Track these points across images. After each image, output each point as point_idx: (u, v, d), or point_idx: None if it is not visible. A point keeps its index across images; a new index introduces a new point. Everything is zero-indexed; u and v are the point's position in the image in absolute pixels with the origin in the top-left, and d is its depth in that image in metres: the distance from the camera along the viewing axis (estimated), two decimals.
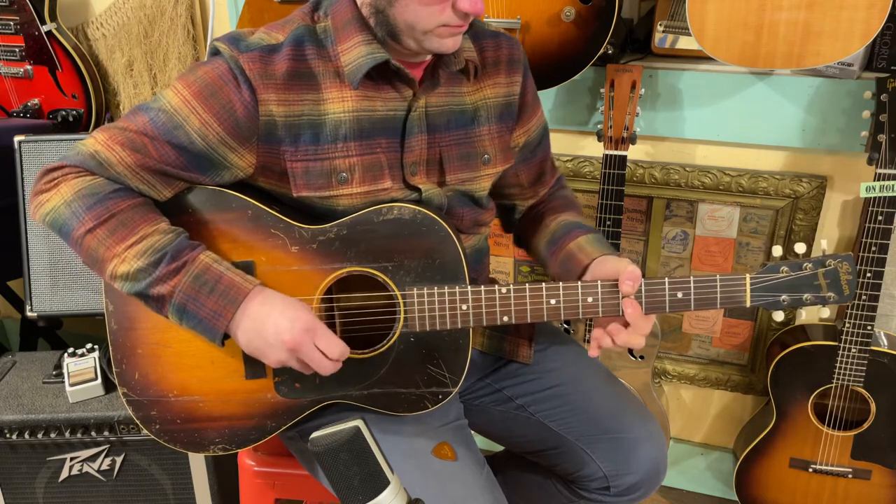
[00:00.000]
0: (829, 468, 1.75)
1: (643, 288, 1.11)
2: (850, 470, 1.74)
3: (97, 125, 2.15)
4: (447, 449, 1.20)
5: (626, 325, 1.13)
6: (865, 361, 1.62)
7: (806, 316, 1.75)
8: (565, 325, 1.90)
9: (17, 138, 1.72)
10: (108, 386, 1.69)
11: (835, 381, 1.66)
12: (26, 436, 1.63)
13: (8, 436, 1.63)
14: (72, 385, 1.66)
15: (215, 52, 1.12)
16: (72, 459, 1.67)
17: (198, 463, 1.69)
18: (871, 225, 1.52)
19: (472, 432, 1.33)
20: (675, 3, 1.64)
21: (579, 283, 1.12)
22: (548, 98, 1.83)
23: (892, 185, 1.50)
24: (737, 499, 1.88)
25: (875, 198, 1.51)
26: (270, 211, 1.14)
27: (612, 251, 1.22)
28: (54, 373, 1.74)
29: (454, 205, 1.23)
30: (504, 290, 1.12)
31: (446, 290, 1.12)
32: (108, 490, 1.71)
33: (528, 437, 1.35)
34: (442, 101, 1.19)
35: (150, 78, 2.19)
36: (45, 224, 1.10)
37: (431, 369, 1.18)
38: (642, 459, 1.29)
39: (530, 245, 1.36)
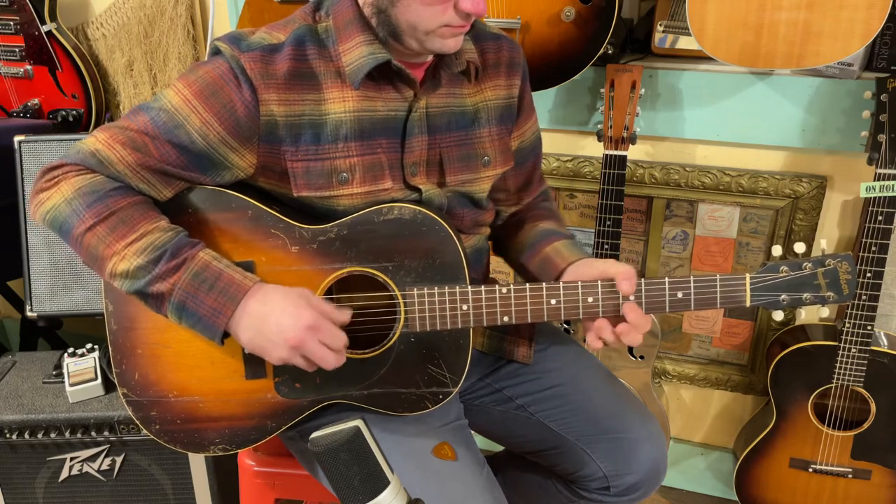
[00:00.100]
0: (829, 468, 1.75)
1: (643, 288, 1.11)
2: (850, 470, 1.74)
3: (97, 125, 2.15)
4: (447, 449, 1.20)
5: (622, 321, 1.13)
6: (865, 361, 1.62)
7: (806, 316, 1.75)
8: (565, 325, 1.90)
9: (17, 138, 1.72)
10: (108, 386, 1.69)
11: (835, 381, 1.66)
12: (26, 436, 1.63)
13: (8, 436, 1.63)
14: (72, 385, 1.66)
15: (216, 52, 1.12)
16: (72, 459, 1.67)
17: (198, 463, 1.69)
18: (871, 225, 1.52)
19: (472, 432, 1.33)
20: (675, 3, 1.64)
21: (580, 283, 1.12)
22: (548, 98, 1.83)
23: (892, 185, 1.50)
24: (737, 499, 1.88)
25: (875, 198, 1.51)
26: (270, 211, 1.14)
27: (589, 256, 1.22)
28: (54, 373, 1.74)
29: (454, 205, 1.23)
30: (504, 290, 1.12)
31: (446, 290, 1.12)
32: (108, 490, 1.71)
33: (528, 437, 1.35)
34: (443, 103, 1.19)
35: (150, 78, 2.19)
36: (46, 223, 1.09)
37: (432, 369, 1.18)
38: (642, 459, 1.29)
39: (507, 250, 1.36)
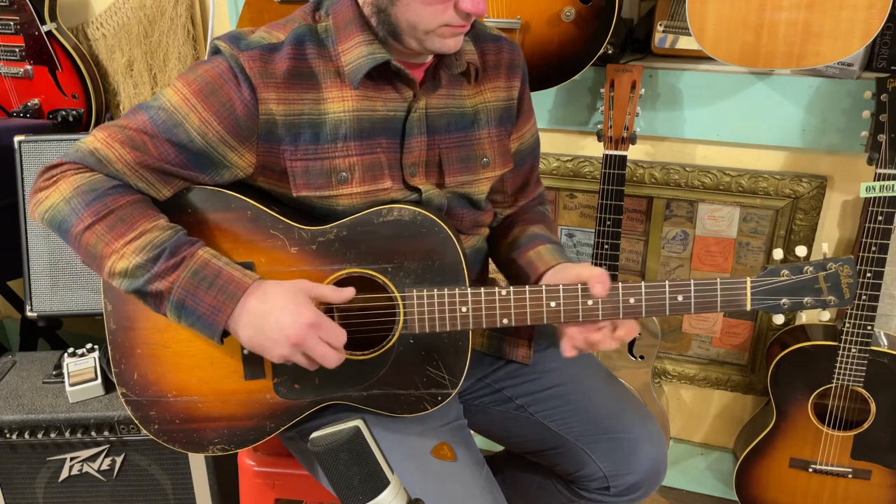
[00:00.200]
0: (829, 468, 1.75)
1: (643, 291, 1.11)
2: (850, 470, 1.74)
3: (97, 125, 2.14)
4: (447, 449, 1.20)
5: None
6: (865, 361, 1.62)
7: (806, 317, 1.75)
8: None
9: (17, 138, 1.72)
10: (108, 386, 1.69)
11: (835, 381, 1.66)
12: (26, 436, 1.63)
13: (8, 436, 1.63)
14: (72, 385, 1.66)
15: (216, 51, 1.12)
16: (72, 459, 1.67)
17: (198, 463, 1.69)
18: (871, 225, 1.52)
19: (472, 432, 1.33)
20: (675, 3, 1.64)
21: (579, 285, 1.12)
22: (548, 98, 1.83)
23: (892, 185, 1.50)
24: (737, 499, 1.88)
25: (875, 198, 1.51)
26: (270, 211, 1.13)
27: (570, 261, 1.22)
28: (54, 373, 1.74)
29: (453, 206, 1.23)
30: (504, 292, 1.12)
31: (446, 291, 1.12)
32: (108, 490, 1.71)
33: (527, 438, 1.35)
34: (442, 103, 1.19)
35: (150, 78, 2.19)
36: (45, 222, 1.09)
37: (431, 371, 1.18)
38: (642, 459, 1.29)
39: (496, 251, 1.36)
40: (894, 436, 1.68)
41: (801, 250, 1.14)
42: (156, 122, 1.08)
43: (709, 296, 1.10)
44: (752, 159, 1.79)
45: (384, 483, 0.79)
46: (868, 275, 1.55)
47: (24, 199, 1.74)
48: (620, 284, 1.11)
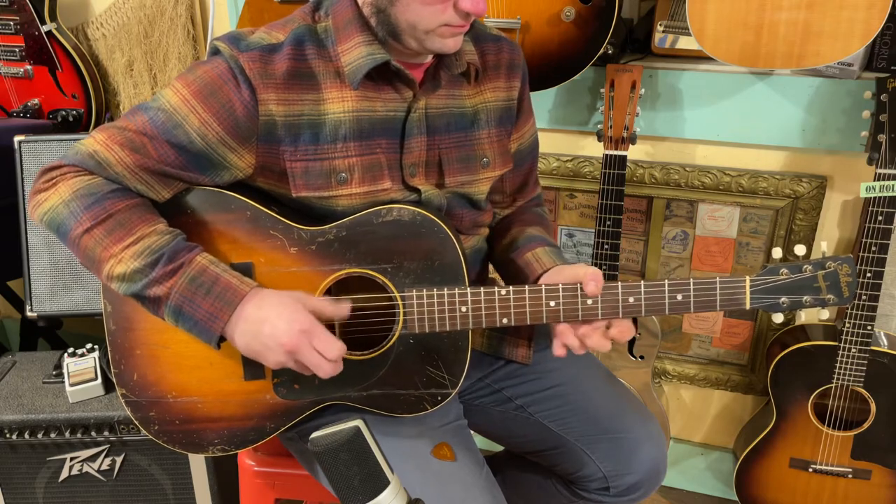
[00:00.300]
0: (829, 468, 1.75)
1: (643, 290, 1.11)
2: (850, 470, 1.74)
3: (97, 125, 2.15)
4: (446, 449, 1.20)
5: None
6: (865, 361, 1.62)
7: (806, 316, 1.75)
8: None
9: (17, 138, 1.72)
10: (108, 386, 1.69)
11: (835, 381, 1.66)
12: (26, 436, 1.63)
13: (8, 436, 1.63)
14: (72, 385, 1.66)
15: (215, 52, 1.12)
16: (72, 459, 1.67)
17: (198, 463, 1.69)
18: (871, 225, 1.52)
19: (472, 432, 1.33)
20: (675, 3, 1.64)
21: (578, 284, 1.12)
22: (548, 98, 1.83)
23: (892, 185, 1.50)
24: (737, 499, 1.88)
25: (875, 198, 1.51)
26: (269, 212, 1.13)
27: (568, 263, 1.22)
28: (54, 373, 1.74)
29: (453, 206, 1.23)
30: (504, 291, 1.12)
31: (445, 291, 1.12)
32: (108, 490, 1.71)
33: (527, 438, 1.35)
34: (442, 104, 1.19)
35: (150, 78, 2.19)
36: (43, 224, 1.09)
37: (431, 371, 1.18)
38: (642, 459, 1.29)
39: (493, 251, 1.36)
40: (894, 436, 1.68)
41: (800, 249, 1.14)
42: (155, 124, 1.08)
43: (708, 295, 1.10)
44: (752, 159, 1.79)
45: (384, 483, 0.79)
46: (868, 275, 1.55)
47: (24, 199, 1.74)
48: (620, 284, 1.11)
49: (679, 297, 1.11)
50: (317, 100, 1.11)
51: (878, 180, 1.51)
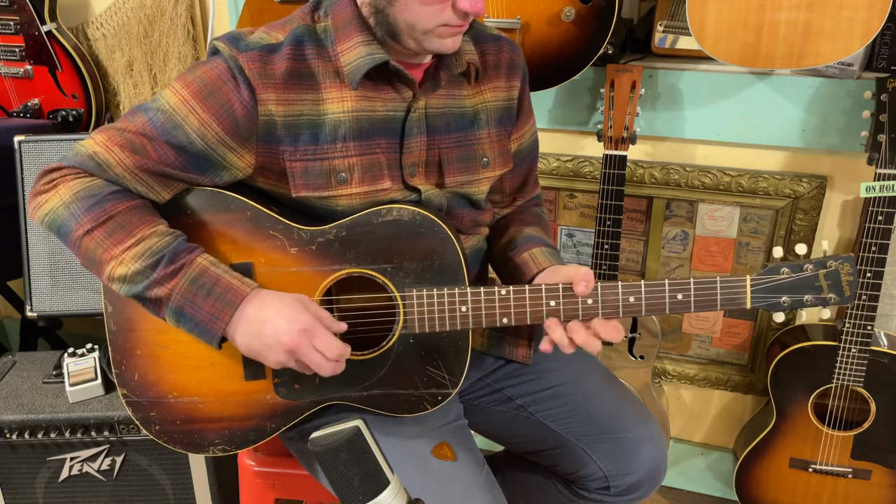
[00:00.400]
0: (829, 468, 1.75)
1: (643, 289, 1.11)
2: (850, 470, 1.74)
3: (97, 125, 2.15)
4: (447, 449, 1.20)
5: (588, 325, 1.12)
6: (865, 361, 1.62)
7: (806, 316, 1.75)
8: None
9: (17, 138, 1.72)
10: (108, 386, 1.69)
11: (835, 381, 1.66)
12: (26, 436, 1.63)
13: (8, 436, 1.63)
14: (72, 385, 1.66)
15: (214, 52, 1.12)
16: (72, 459, 1.67)
17: (198, 463, 1.69)
18: (871, 225, 1.52)
19: (472, 432, 1.33)
20: (675, 3, 1.64)
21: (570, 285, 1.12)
22: (548, 98, 1.83)
23: (892, 185, 1.50)
24: (737, 499, 1.88)
25: (875, 198, 1.51)
26: (269, 212, 1.13)
27: (564, 264, 1.22)
28: (54, 373, 1.74)
29: (453, 206, 1.23)
30: (504, 291, 1.12)
31: (445, 291, 1.12)
32: (108, 490, 1.71)
33: (528, 437, 1.35)
34: (442, 103, 1.18)
35: (150, 78, 2.19)
36: (44, 225, 1.10)
37: (431, 371, 1.18)
38: (642, 459, 1.29)
39: (490, 251, 1.36)
40: (894, 436, 1.68)
41: (800, 248, 1.14)
42: (155, 124, 1.08)
43: (709, 294, 1.10)
44: (752, 159, 1.79)
45: (384, 483, 0.79)
46: (868, 275, 1.55)
47: (24, 199, 1.74)
48: (620, 283, 1.11)
49: (680, 296, 1.11)
50: (316, 100, 1.11)
51: (878, 180, 1.51)
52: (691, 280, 1.10)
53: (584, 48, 1.58)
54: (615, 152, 1.66)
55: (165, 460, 1.69)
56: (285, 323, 1.04)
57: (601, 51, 1.58)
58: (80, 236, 1.06)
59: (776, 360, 1.71)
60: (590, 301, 1.11)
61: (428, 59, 1.16)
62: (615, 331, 1.11)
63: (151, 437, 1.21)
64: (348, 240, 1.14)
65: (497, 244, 1.33)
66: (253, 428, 1.21)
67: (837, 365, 1.64)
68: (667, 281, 1.11)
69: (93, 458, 1.68)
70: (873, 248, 1.53)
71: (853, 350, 1.61)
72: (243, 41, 1.10)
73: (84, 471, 1.69)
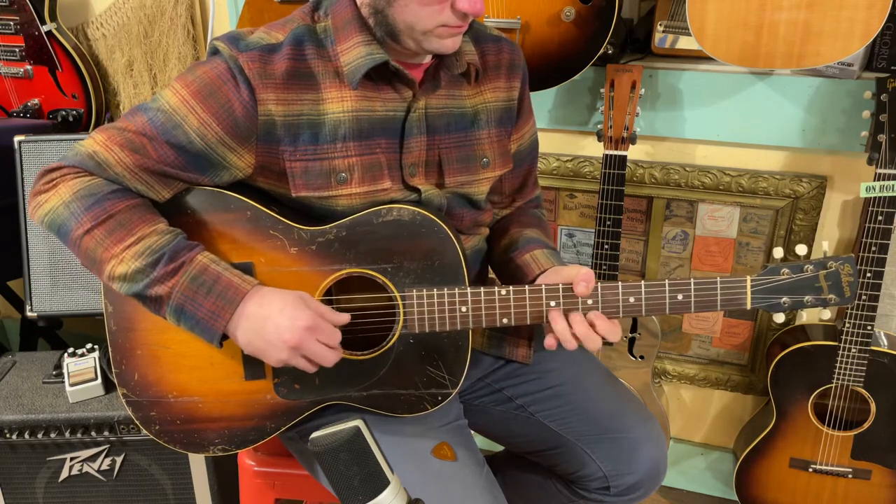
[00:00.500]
0: (829, 468, 1.75)
1: (643, 289, 1.11)
2: (850, 470, 1.74)
3: (97, 125, 2.15)
4: (447, 449, 1.20)
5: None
6: (865, 361, 1.62)
7: (806, 316, 1.75)
8: None
9: (17, 138, 1.72)
10: (108, 386, 1.69)
11: (835, 381, 1.66)
12: (26, 436, 1.63)
13: (8, 436, 1.63)
14: (72, 385, 1.66)
15: (214, 52, 1.12)
16: (72, 459, 1.67)
17: (198, 463, 1.69)
18: (871, 225, 1.52)
19: (472, 432, 1.33)
20: (675, 3, 1.64)
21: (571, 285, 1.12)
22: (548, 98, 1.83)
23: (892, 185, 1.50)
24: (737, 499, 1.88)
25: (875, 198, 1.51)
26: (269, 212, 1.13)
27: (564, 265, 1.22)
28: (54, 373, 1.74)
29: (453, 206, 1.23)
30: (504, 291, 1.12)
31: (445, 291, 1.12)
32: (108, 490, 1.71)
33: (528, 437, 1.35)
34: (442, 104, 1.19)
35: (150, 78, 2.19)
36: (44, 225, 1.10)
37: (431, 371, 1.18)
38: (642, 459, 1.29)
39: (490, 253, 1.36)
40: (894, 436, 1.68)
41: (801, 249, 1.14)
42: (154, 124, 1.08)
43: (709, 294, 1.10)
44: (752, 159, 1.79)
45: (384, 483, 0.79)
46: (868, 275, 1.55)
47: (24, 199, 1.74)
48: (620, 284, 1.11)
49: (680, 296, 1.11)
50: (316, 100, 1.11)
51: (878, 180, 1.51)
52: (691, 280, 1.10)
53: (584, 48, 1.58)
54: (615, 152, 1.66)
55: (165, 460, 1.69)
56: (287, 320, 1.04)
57: (601, 51, 1.58)
58: (80, 235, 1.06)
59: (776, 360, 1.71)
60: (590, 301, 1.11)
61: (428, 59, 1.17)
62: (613, 326, 1.11)
63: (151, 436, 1.21)
64: (348, 240, 1.14)
65: (497, 246, 1.33)
66: (253, 428, 1.21)
67: (837, 365, 1.64)
68: (667, 281, 1.11)
69: (93, 458, 1.68)
70: (873, 248, 1.53)
71: (853, 350, 1.61)
72: (243, 41, 1.10)
73: (84, 471, 1.69)
